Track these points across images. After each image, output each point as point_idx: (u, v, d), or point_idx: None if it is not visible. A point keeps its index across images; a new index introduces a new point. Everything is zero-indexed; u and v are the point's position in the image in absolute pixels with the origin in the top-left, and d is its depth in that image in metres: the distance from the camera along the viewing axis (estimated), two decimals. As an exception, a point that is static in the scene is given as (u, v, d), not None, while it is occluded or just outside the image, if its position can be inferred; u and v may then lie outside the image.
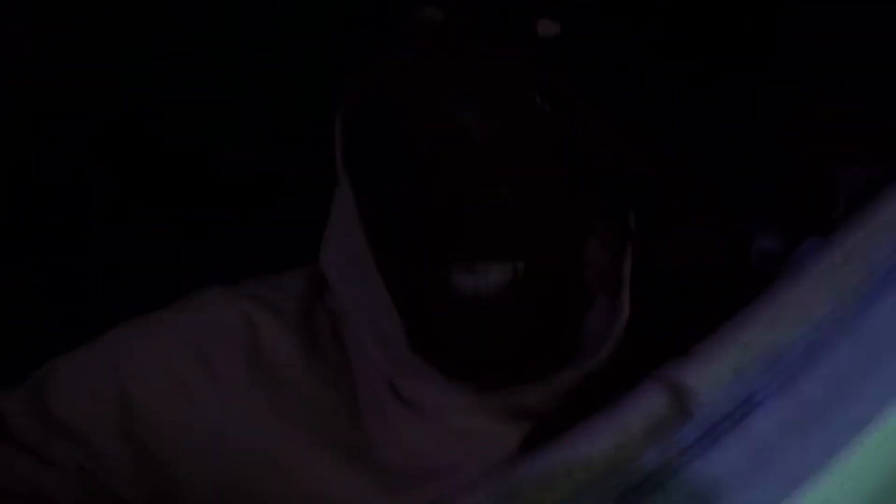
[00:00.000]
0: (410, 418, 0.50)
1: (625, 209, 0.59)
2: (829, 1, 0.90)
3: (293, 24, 1.28)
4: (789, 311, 0.58)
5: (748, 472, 0.46)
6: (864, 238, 0.64)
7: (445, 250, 0.49)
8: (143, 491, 0.48)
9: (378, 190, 0.51)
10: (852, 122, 0.75)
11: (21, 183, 1.21)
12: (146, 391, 0.49)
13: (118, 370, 0.50)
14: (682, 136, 0.74)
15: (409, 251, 0.50)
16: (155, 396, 0.49)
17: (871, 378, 0.54)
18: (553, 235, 0.53)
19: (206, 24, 1.27)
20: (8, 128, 1.19)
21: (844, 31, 0.90)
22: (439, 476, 0.49)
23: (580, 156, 0.53)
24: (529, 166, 0.51)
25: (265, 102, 1.33)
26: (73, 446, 0.48)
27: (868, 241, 0.64)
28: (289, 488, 0.49)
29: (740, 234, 0.71)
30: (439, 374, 0.48)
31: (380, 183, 0.51)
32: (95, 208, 1.22)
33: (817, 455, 0.48)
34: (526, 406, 0.51)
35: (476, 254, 0.49)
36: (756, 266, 0.68)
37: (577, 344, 0.54)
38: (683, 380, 0.48)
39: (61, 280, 1.14)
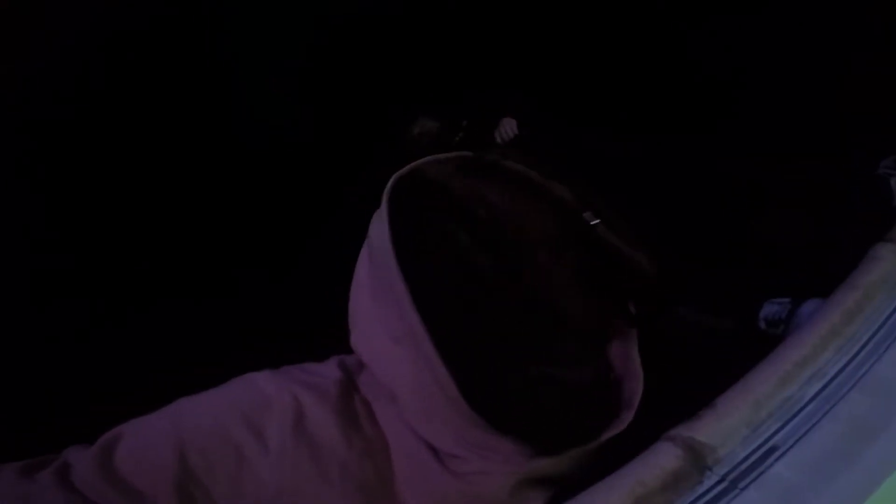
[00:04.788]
0: (452, 487, 0.54)
1: (625, 298, 0.64)
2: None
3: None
4: (799, 367, 0.61)
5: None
6: (861, 298, 0.67)
7: (523, 352, 0.55)
8: None
9: (438, 284, 0.55)
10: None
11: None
12: (203, 455, 0.54)
13: (178, 437, 0.54)
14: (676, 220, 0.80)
15: (482, 346, 0.54)
16: (211, 461, 0.54)
17: (887, 423, 0.55)
18: (597, 325, 0.60)
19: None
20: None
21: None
22: None
23: (622, 263, 0.59)
24: (585, 274, 0.58)
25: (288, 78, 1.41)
26: (131, 502, 0.52)
27: (865, 300, 0.67)
28: None
29: (746, 304, 0.75)
30: (495, 448, 0.52)
31: (438, 277, 0.55)
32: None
33: (843, 496, 0.49)
34: (548, 474, 0.55)
35: (546, 356, 0.55)
36: (764, 331, 0.71)
37: (612, 409, 0.58)
38: (696, 436, 0.51)
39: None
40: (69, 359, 1.08)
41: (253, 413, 0.56)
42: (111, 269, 1.22)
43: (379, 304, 0.56)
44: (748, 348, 0.64)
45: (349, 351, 0.62)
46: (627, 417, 0.56)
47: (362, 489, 0.55)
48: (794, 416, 0.55)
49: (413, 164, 0.59)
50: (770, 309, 0.71)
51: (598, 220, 0.58)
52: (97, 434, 0.56)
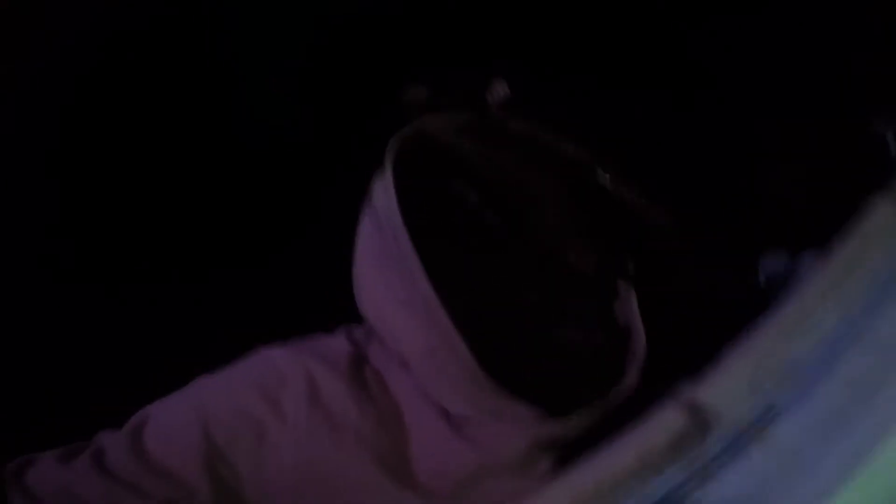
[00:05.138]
0: (465, 451, 0.56)
1: (625, 257, 0.63)
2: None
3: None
4: (798, 325, 0.60)
5: (777, 478, 0.47)
6: (859, 248, 0.66)
7: (534, 312, 0.55)
8: None
9: (448, 246, 0.55)
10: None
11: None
12: (226, 431, 0.56)
13: (202, 415, 0.57)
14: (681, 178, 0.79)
15: (494, 308, 0.55)
16: (234, 435, 0.56)
17: (887, 382, 0.55)
18: (610, 282, 0.60)
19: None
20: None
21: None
22: (480, 499, 0.55)
23: (631, 216, 0.60)
24: (596, 231, 0.58)
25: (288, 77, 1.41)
26: (165, 482, 0.55)
27: (864, 250, 0.66)
28: None
29: (748, 261, 0.74)
30: (507, 411, 0.53)
31: (449, 239, 0.55)
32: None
33: (844, 459, 0.49)
34: (556, 435, 0.56)
35: (563, 306, 0.56)
36: (764, 287, 0.70)
37: (620, 367, 0.59)
38: (698, 396, 0.50)
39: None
40: (78, 346, 1.08)
41: (269, 388, 0.57)
42: (114, 265, 1.22)
43: (386, 268, 0.56)
44: (750, 304, 0.63)
45: (356, 321, 0.63)
46: (634, 375, 0.57)
47: (379, 458, 0.56)
48: (796, 375, 0.55)
49: (415, 124, 0.58)
50: (770, 265, 0.70)
51: (608, 176, 0.58)
52: (113, 418, 0.59)
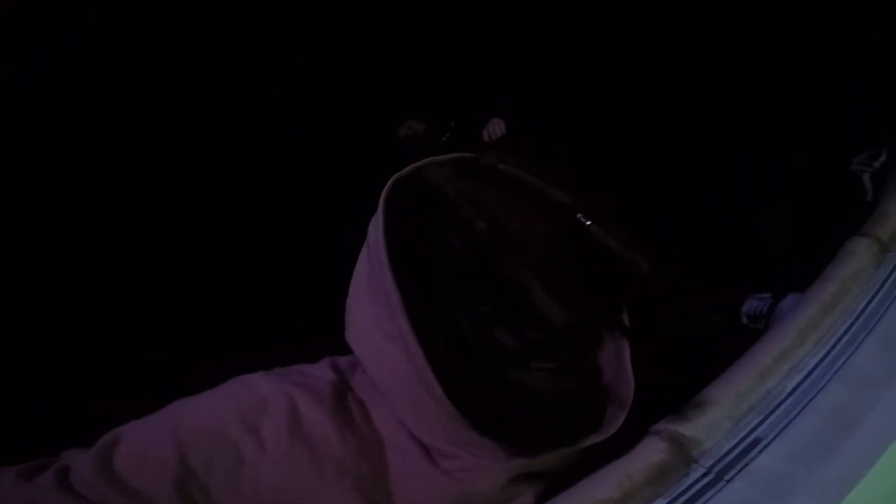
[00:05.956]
0: (443, 483, 0.56)
1: (619, 303, 0.64)
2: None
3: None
4: (779, 360, 0.63)
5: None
6: (837, 291, 0.69)
7: (502, 353, 0.55)
8: None
9: (428, 286, 0.56)
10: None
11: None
12: (202, 454, 0.55)
13: (178, 436, 0.55)
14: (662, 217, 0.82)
15: (466, 349, 0.55)
16: (210, 459, 0.55)
17: (865, 412, 0.56)
18: (584, 332, 0.60)
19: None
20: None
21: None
22: None
23: (615, 262, 0.60)
24: (572, 274, 0.59)
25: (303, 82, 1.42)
26: (132, 503, 0.53)
27: (841, 293, 0.69)
28: None
29: (730, 299, 0.77)
30: (479, 446, 0.53)
31: (430, 279, 0.57)
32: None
33: (826, 486, 0.51)
34: (537, 469, 0.56)
35: (530, 354, 0.56)
36: (746, 325, 0.72)
37: (599, 414, 0.58)
38: (680, 429, 0.52)
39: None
40: (66, 360, 1.08)
41: (249, 413, 0.57)
42: (109, 270, 1.22)
43: (375, 303, 0.57)
44: (731, 342, 0.65)
45: (341, 352, 0.63)
46: (617, 422, 0.55)
47: (359, 488, 0.56)
48: (776, 408, 0.57)
49: (413, 166, 0.60)
50: (751, 304, 0.73)
51: (591, 222, 0.59)
52: (94, 435, 0.57)
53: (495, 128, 1.33)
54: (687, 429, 0.52)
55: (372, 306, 0.57)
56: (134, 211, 1.30)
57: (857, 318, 0.65)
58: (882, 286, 0.67)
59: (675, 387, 0.59)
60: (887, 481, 0.52)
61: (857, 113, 0.90)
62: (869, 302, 0.67)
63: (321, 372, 0.63)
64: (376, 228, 0.56)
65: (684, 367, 0.63)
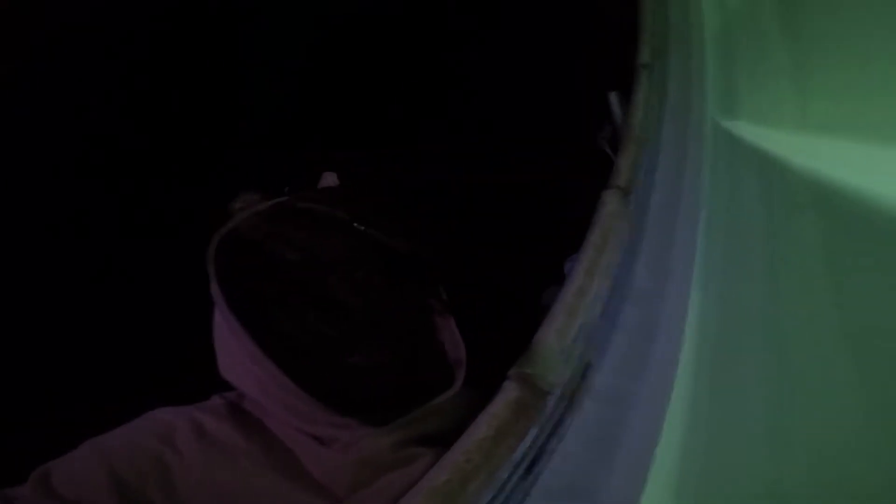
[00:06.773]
0: (341, 458, 0.65)
1: (436, 287, 0.77)
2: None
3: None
4: (578, 297, 0.69)
5: (611, 415, 0.52)
6: (603, 232, 0.80)
7: (333, 350, 0.66)
8: None
9: (264, 314, 0.66)
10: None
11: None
12: (131, 467, 0.62)
13: (104, 458, 0.62)
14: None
15: (305, 350, 0.66)
16: (139, 469, 0.62)
17: (656, 325, 0.65)
18: (401, 319, 0.71)
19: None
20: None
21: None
22: (371, 496, 0.62)
23: (394, 256, 0.72)
24: (368, 277, 0.71)
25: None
26: None
27: (607, 232, 0.79)
28: None
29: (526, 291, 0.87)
30: (346, 424, 0.63)
31: (264, 308, 0.67)
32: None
33: (652, 387, 0.56)
34: (429, 433, 0.66)
35: (354, 348, 0.67)
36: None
37: (441, 381, 0.68)
38: (524, 370, 0.54)
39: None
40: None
41: (162, 433, 0.65)
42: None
43: (231, 339, 0.66)
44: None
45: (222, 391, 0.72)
46: (460, 379, 0.67)
47: (275, 469, 0.63)
48: (591, 335, 0.62)
49: (230, 224, 0.71)
50: (548, 295, 0.80)
51: (363, 227, 0.71)
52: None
53: (328, 181, 1.33)
54: (529, 367, 0.54)
55: (230, 341, 0.66)
56: (133, 211, 1.29)
57: (624, 246, 0.74)
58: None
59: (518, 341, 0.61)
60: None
61: (592, 99, 1.07)
62: (630, 235, 0.77)
63: (214, 401, 0.71)
64: (211, 279, 0.67)
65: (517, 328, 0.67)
